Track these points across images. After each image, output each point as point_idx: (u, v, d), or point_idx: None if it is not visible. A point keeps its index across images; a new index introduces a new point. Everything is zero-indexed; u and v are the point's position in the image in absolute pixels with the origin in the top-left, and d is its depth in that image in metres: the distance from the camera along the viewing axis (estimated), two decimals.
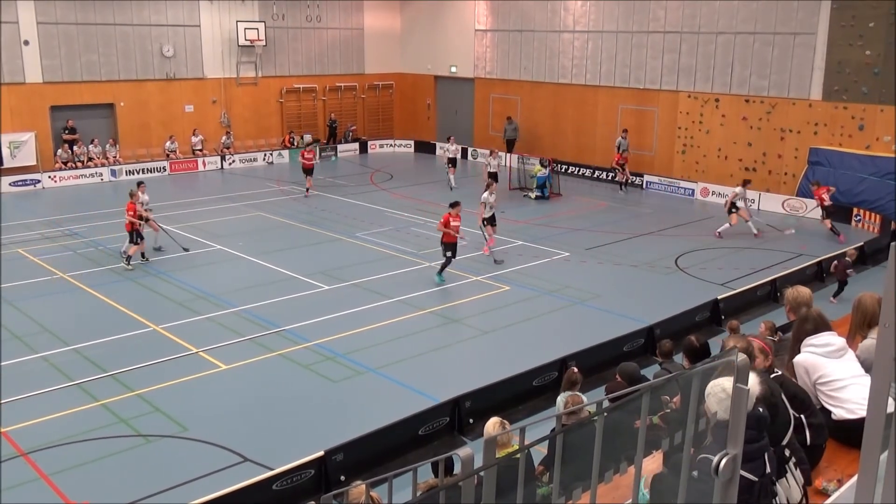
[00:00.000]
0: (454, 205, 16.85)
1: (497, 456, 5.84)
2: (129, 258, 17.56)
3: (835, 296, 15.26)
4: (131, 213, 17.59)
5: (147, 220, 18.22)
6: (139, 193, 18.17)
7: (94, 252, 18.81)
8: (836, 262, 15.86)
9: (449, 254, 16.67)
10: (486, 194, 18.52)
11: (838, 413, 4.72)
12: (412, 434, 10.05)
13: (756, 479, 3.55)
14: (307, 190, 25.43)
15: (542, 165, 25.84)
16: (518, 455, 3.15)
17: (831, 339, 4.89)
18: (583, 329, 13.92)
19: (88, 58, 27.95)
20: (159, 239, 19.01)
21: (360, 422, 10.21)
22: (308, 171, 25.31)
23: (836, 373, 4.78)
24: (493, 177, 23.69)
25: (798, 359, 4.92)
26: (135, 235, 17.66)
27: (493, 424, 6.09)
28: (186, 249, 18.85)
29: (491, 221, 18.65)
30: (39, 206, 23.83)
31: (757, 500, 3.57)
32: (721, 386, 3.37)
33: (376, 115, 36.60)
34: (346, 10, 34.55)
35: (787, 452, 4.11)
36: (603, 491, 3.53)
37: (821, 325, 5.01)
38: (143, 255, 18.13)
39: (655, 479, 4.00)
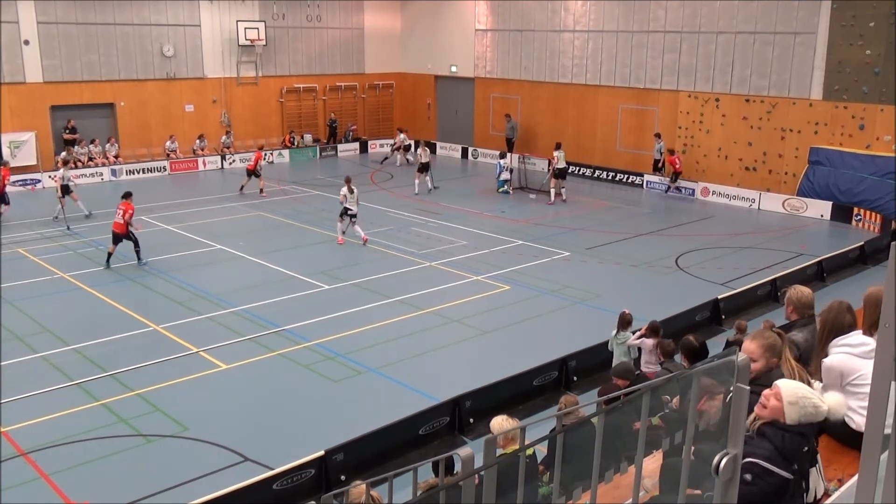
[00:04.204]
0: (125, 195, 17.84)
1: (502, 452, 5.86)
2: None
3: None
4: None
5: (70, 192, 21.67)
6: (60, 167, 22.53)
7: (94, 252, 18.79)
8: None
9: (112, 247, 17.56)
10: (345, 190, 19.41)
11: (857, 420, 4.40)
12: (412, 434, 10.05)
13: (791, 476, 3.47)
14: (261, 191, 25.47)
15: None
16: (520, 453, 3.15)
17: (865, 339, 4.50)
18: (583, 329, 13.90)
19: (88, 57, 27.95)
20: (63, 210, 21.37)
21: (360, 422, 10.21)
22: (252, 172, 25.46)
23: (870, 375, 4.59)
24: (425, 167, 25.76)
25: (832, 360, 4.45)
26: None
27: (498, 422, 6.09)
28: (89, 215, 21.91)
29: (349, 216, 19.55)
30: (39, 206, 23.81)
31: (792, 499, 3.50)
32: (798, 394, 3.45)
33: (376, 114, 36.58)
34: (347, 9, 34.54)
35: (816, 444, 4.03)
36: (603, 491, 3.52)
37: (855, 323, 4.65)
38: None
39: (664, 470, 3.98)
